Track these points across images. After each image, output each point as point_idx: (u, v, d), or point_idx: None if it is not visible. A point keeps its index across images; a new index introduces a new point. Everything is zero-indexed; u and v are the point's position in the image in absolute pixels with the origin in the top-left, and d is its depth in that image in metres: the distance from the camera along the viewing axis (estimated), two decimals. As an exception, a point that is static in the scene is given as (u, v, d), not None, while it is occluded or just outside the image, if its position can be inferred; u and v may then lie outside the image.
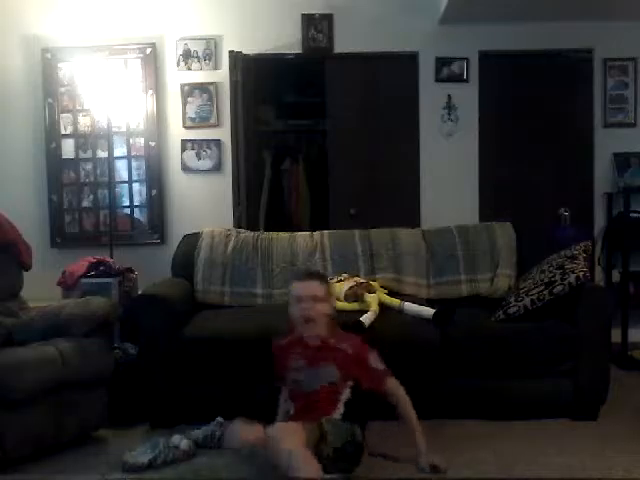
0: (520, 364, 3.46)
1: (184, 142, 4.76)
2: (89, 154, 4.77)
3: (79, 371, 3.13)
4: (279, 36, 4.72)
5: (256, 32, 4.70)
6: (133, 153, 4.77)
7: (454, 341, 3.44)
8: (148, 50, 4.69)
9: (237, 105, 4.51)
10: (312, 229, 4.44)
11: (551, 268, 3.62)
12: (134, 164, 4.78)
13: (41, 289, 3.89)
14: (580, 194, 4.80)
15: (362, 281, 3.88)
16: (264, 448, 2.41)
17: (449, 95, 4.75)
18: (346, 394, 2.70)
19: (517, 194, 4.80)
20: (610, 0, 4.25)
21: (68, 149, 4.77)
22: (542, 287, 3.53)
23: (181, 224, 4.68)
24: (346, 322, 3.41)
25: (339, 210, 4.85)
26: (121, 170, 4.79)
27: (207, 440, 3.14)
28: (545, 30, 4.66)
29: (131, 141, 4.76)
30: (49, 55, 4.69)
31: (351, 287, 3.78)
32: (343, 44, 4.74)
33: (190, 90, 4.74)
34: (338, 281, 3.90)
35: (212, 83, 4.73)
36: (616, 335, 4.33)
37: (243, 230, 4.34)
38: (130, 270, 4.22)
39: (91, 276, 4.10)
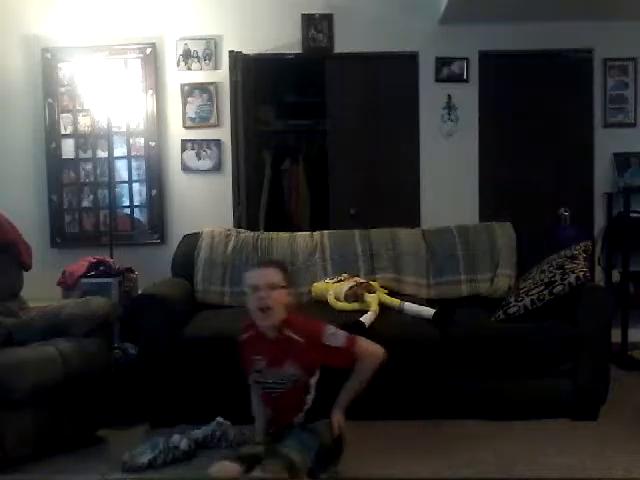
0: (520, 364, 3.46)
1: (184, 142, 4.76)
2: (89, 154, 4.77)
3: (79, 371, 3.13)
4: (279, 36, 4.72)
5: (256, 32, 4.70)
6: (133, 153, 4.77)
7: (454, 341, 3.44)
8: (148, 50, 4.69)
9: (237, 105, 4.51)
10: (312, 229, 4.44)
11: (551, 268, 3.62)
12: (134, 164, 4.78)
13: (41, 289, 3.89)
14: (580, 194, 4.80)
15: (362, 281, 3.88)
16: None
17: (449, 95, 4.75)
18: (313, 384, 2.59)
19: (517, 194, 4.80)
20: (610, 0, 4.25)
21: (68, 149, 4.77)
22: (542, 287, 3.53)
23: (181, 224, 4.68)
24: (346, 322, 3.41)
25: (339, 210, 4.85)
26: (121, 170, 4.79)
27: (207, 440, 3.14)
28: (545, 30, 4.66)
29: (131, 141, 4.76)
30: (49, 55, 4.69)
31: (351, 287, 3.78)
32: (343, 44, 4.74)
33: (190, 90, 4.74)
34: (338, 281, 3.90)
35: (212, 83, 4.73)
36: (616, 335, 4.33)
37: (243, 230, 4.34)
38: (130, 270, 4.22)
39: (91, 276, 4.09)
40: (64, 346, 3.12)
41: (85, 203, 4.80)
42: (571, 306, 3.46)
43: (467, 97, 4.76)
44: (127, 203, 4.82)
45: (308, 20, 4.70)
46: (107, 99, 4.48)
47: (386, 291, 3.93)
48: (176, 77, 4.75)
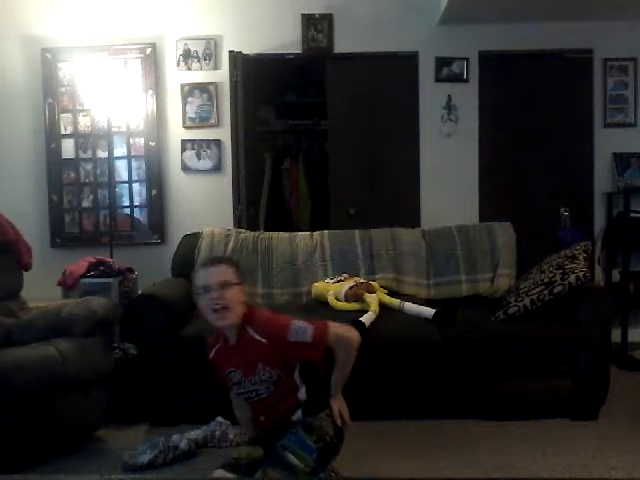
0: (520, 364, 3.46)
1: (184, 142, 4.76)
2: (89, 154, 4.77)
3: (79, 371, 3.12)
4: (279, 36, 4.72)
5: (256, 32, 4.70)
6: (133, 153, 4.77)
7: (454, 341, 3.44)
8: (148, 50, 4.69)
9: (237, 105, 4.51)
10: (312, 229, 4.45)
11: (551, 268, 3.62)
12: (134, 164, 4.78)
13: (41, 289, 3.90)
14: (580, 194, 4.80)
15: (362, 281, 3.88)
16: None
17: (449, 95, 4.75)
18: (297, 378, 2.39)
19: (517, 194, 4.79)
20: (610, 0, 4.25)
21: (68, 149, 4.77)
22: (542, 287, 3.53)
23: (181, 224, 4.68)
24: (346, 322, 3.41)
25: (339, 210, 4.85)
26: (121, 170, 4.79)
27: (207, 440, 3.14)
28: (545, 30, 4.66)
29: (131, 141, 4.76)
30: (49, 55, 4.69)
31: (351, 287, 3.78)
32: (343, 44, 4.74)
33: (190, 90, 4.74)
34: (338, 281, 3.91)
35: (212, 83, 4.73)
36: (616, 335, 4.34)
37: (243, 230, 4.35)
38: (130, 270, 4.21)
39: (91, 276, 4.09)
40: (64, 346, 3.12)
41: (85, 203, 4.80)
42: (571, 306, 3.46)
43: (467, 97, 4.76)
44: (127, 203, 4.82)
45: (308, 20, 4.70)
46: (107, 99, 4.48)
47: (386, 291, 3.93)
48: (176, 77, 4.74)
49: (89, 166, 4.78)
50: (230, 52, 4.52)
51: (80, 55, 4.64)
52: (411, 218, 4.69)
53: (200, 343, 3.39)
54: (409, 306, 3.71)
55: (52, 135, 4.74)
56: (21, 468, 2.87)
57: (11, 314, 3.44)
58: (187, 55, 4.72)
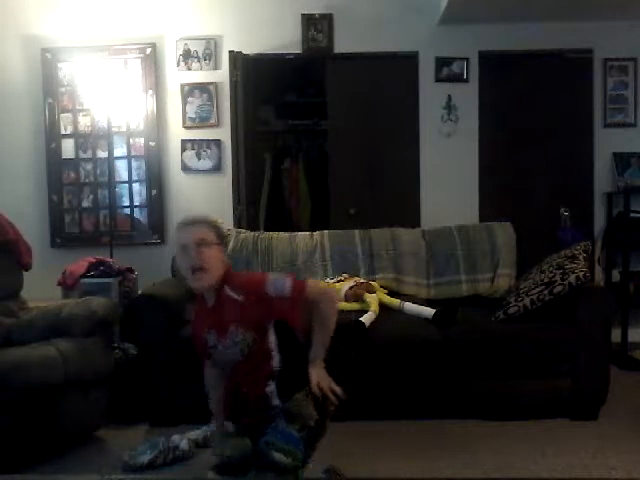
0: (520, 364, 3.46)
1: (184, 142, 4.76)
2: (89, 154, 4.77)
3: (79, 371, 3.13)
4: (279, 36, 4.72)
5: (256, 32, 4.70)
6: (133, 153, 4.77)
7: (454, 341, 3.44)
8: (148, 50, 4.69)
9: (237, 105, 4.51)
10: (312, 229, 4.45)
11: (551, 268, 3.62)
12: (134, 164, 4.78)
13: (41, 289, 3.90)
14: (580, 194, 4.80)
15: (362, 281, 3.88)
16: None
17: (449, 95, 4.75)
18: (273, 344, 2.29)
19: (517, 194, 4.79)
20: (610, 0, 4.25)
21: (68, 149, 4.77)
22: (542, 287, 3.53)
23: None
24: (346, 322, 3.42)
25: (339, 210, 4.85)
26: (121, 170, 4.79)
27: (207, 440, 3.14)
28: (545, 30, 4.66)
29: (131, 141, 4.76)
30: (49, 55, 4.69)
31: (351, 287, 3.79)
32: (343, 44, 4.74)
33: (190, 90, 4.74)
34: (338, 281, 3.91)
35: (212, 83, 4.72)
36: (616, 335, 4.34)
37: (243, 230, 4.35)
38: (130, 270, 4.21)
39: (91, 276, 4.09)
40: (64, 346, 3.12)
41: (85, 203, 4.80)
42: (571, 306, 3.46)
43: (467, 97, 4.76)
44: (127, 203, 4.82)
45: (308, 20, 4.70)
46: (107, 99, 4.48)
47: (386, 291, 3.94)
48: (176, 77, 4.74)
49: (89, 166, 4.78)
50: (230, 52, 4.52)
51: (80, 55, 4.64)
52: (411, 218, 4.69)
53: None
54: (409, 306, 3.71)
55: (52, 135, 4.74)
56: (21, 468, 2.87)
57: (11, 314, 3.44)
58: (187, 55, 4.72)
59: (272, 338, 2.28)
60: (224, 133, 4.69)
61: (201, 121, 4.75)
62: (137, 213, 4.83)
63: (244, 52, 4.60)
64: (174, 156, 4.78)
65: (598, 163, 4.78)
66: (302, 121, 5.76)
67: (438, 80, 4.75)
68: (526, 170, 4.80)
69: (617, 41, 4.71)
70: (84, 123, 4.75)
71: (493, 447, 3.10)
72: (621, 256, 4.55)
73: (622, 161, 4.71)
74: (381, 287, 3.94)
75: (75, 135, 4.76)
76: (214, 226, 2.35)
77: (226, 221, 4.48)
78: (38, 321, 3.33)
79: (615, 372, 3.76)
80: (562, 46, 4.74)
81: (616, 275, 4.66)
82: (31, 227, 4.38)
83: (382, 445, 3.14)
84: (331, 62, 4.83)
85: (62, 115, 4.74)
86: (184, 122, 4.75)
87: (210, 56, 4.72)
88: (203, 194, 4.77)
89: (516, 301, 3.60)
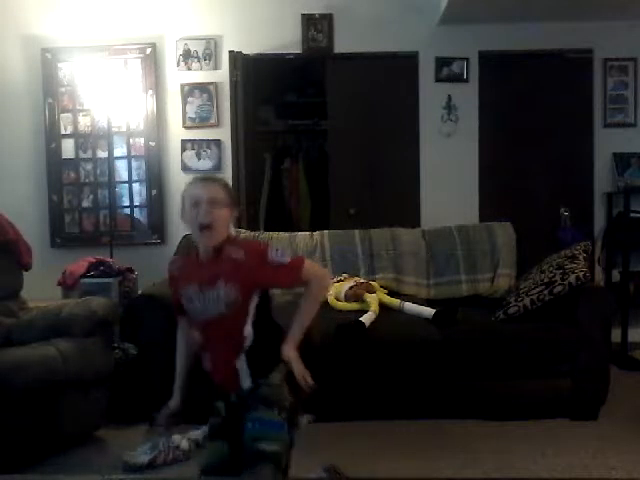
0: (520, 364, 3.46)
1: (184, 142, 4.76)
2: (89, 154, 4.77)
3: (79, 371, 3.13)
4: (279, 36, 4.72)
5: (256, 32, 4.70)
6: (133, 153, 4.77)
7: (454, 341, 3.44)
8: (148, 50, 4.69)
9: (237, 105, 4.51)
10: (312, 229, 4.45)
11: (551, 268, 3.62)
12: (134, 164, 4.78)
13: (41, 289, 3.89)
14: (580, 194, 4.80)
15: (362, 281, 3.88)
16: None
17: (449, 95, 4.75)
18: (252, 311, 2.24)
19: (517, 194, 4.79)
20: (610, 0, 4.25)
21: (68, 149, 4.77)
22: (542, 287, 3.53)
23: (181, 224, 4.63)
24: (346, 322, 3.42)
25: (339, 210, 4.85)
26: (121, 170, 4.79)
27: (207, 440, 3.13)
28: (545, 30, 4.66)
29: (131, 141, 4.76)
30: (49, 55, 4.69)
31: (351, 287, 3.79)
32: (343, 44, 4.74)
33: (190, 90, 4.74)
34: (338, 281, 3.91)
35: (212, 83, 4.72)
36: (616, 335, 4.34)
37: (243, 230, 4.34)
38: (130, 270, 4.21)
39: (91, 276, 4.09)
40: (64, 346, 3.12)
41: (85, 203, 4.79)
42: (571, 306, 3.46)
43: (467, 97, 4.76)
44: (127, 203, 4.82)
45: (308, 20, 4.70)
46: (107, 99, 4.48)
47: (386, 291, 3.94)
48: (176, 77, 4.74)
49: (89, 166, 4.78)
50: (230, 52, 4.52)
51: (80, 55, 4.64)
52: (411, 218, 4.69)
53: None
54: (409, 306, 3.71)
55: (52, 135, 4.74)
56: (21, 468, 2.87)
57: (11, 314, 3.44)
58: (187, 55, 4.72)
59: (252, 307, 2.23)
60: (224, 133, 4.69)
61: (201, 121, 4.75)
62: (137, 213, 4.83)
63: (244, 52, 4.60)
64: (174, 156, 4.78)
65: (598, 163, 4.78)
66: (302, 121, 5.76)
67: (438, 80, 4.75)
68: (526, 170, 4.80)
69: (617, 41, 4.71)
70: (84, 123, 4.75)
71: (493, 447, 3.10)
72: (621, 256, 4.55)
73: (622, 161, 4.71)
74: (381, 287, 3.94)
75: (75, 135, 4.76)
76: (227, 187, 2.35)
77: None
78: (38, 321, 3.33)
79: (615, 372, 3.76)
80: (562, 46, 4.74)
81: (616, 275, 4.66)
82: (31, 227, 4.38)
83: (382, 445, 3.14)
84: (331, 62, 4.83)
85: (62, 115, 4.74)
86: (184, 122, 4.75)
87: (210, 56, 4.72)
88: (203, 194, 4.76)
89: (516, 301, 3.60)
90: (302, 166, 5.71)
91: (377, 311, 3.57)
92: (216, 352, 2.27)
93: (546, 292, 3.50)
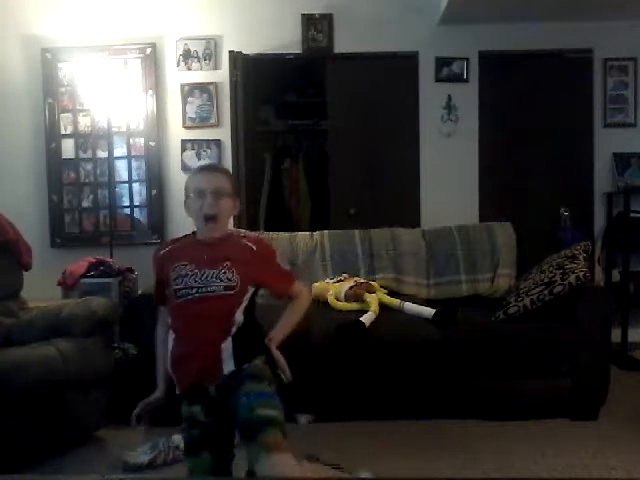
0: (520, 364, 3.46)
1: (184, 142, 4.76)
2: (89, 154, 4.77)
3: (79, 371, 3.13)
4: (279, 36, 4.72)
5: (256, 32, 4.70)
6: (133, 153, 4.77)
7: (454, 341, 3.44)
8: (148, 50, 4.69)
9: (237, 105, 4.51)
10: (312, 229, 4.45)
11: (551, 268, 3.62)
12: (134, 164, 4.78)
13: (41, 289, 3.89)
14: (580, 194, 4.80)
15: (362, 281, 3.88)
16: None
17: (449, 95, 4.75)
18: (246, 301, 2.22)
19: (517, 194, 4.79)
20: (610, 0, 4.25)
21: (68, 149, 4.77)
22: (542, 287, 3.53)
23: (181, 224, 4.66)
24: (346, 322, 3.42)
25: (339, 210, 4.85)
26: (121, 170, 4.79)
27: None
28: (545, 30, 4.66)
29: (131, 141, 4.76)
30: (49, 55, 4.69)
31: (351, 287, 3.79)
32: (343, 44, 4.74)
33: (190, 90, 4.74)
34: (338, 281, 3.91)
35: (212, 83, 4.72)
36: (616, 335, 4.34)
37: (243, 230, 4.34)
38: (130, 270, 4.21)
39: (91, 276, 4.09)
40: (64, 346, 3.12)
41: (85, 203, 4.79)
42: (571, 306, 3.46)
43: (467, 97, 4.76)
44: (127, 203, 4.82)
45: (308, 20, 4.70)
46: (107, 99, 4.48)
47: (386, 291, 3.94)
48: (176, 77, 4.74)
49: (89, 166, 4.78)
50: (230, 52, 4.52)
51: (80, 55, 4.64)
52: (411, 218, 4.69)
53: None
54: (409, 306, 3.71)
55: (52, 135, 4.74)
56: (21, 468, 2.86)
57: (11, 314, 3.44)
58: (187, 55, 4.72)
59: (247, 297, 2.22)
60: (224, 133, 4.69)
61: (201, 121, 4.75)
62: (137, 213, 4.83)
63: (244, 52, 4.60)
64: (174, 156, 4.78)
65: (598, 163, 4.78)
66: (302, 121, 5.76)
67: (438, 80, 4.75)
68: (526, 170, 4.80)
69: (617, 41, 4.71)
70: (84, 123, 4.75)
71: (493, 447, 3.10)
72: (621, 256, 4.55)
73: (622, 161, 4.71)
74: (381, 287, 3.94)
75: (75, 135, 4.76)
76: (230, 176, 2.36)
77: (226, 221, 4.50)
78: (38, 321, 3.33)
79: (615, 372, 3.76)
80: (562, 46, 4.74)
81: (616, 275, 4.66)
82: (31, 227, 4.38)
83: (382, 445, 3.14)
84: (331, 62, 4.83)
85: (62, 115, 4.74)
86: (184, 122, 4.75)
87: (210, 56, 4.72)
88: (203, 194, 4.76)
89: (516, 301, 3.60)
90: (302, 166, 5.71)
91: (377, 311, 3.57)
92: (200, 333, 2.16)
93: (546, 292, 3.50)
